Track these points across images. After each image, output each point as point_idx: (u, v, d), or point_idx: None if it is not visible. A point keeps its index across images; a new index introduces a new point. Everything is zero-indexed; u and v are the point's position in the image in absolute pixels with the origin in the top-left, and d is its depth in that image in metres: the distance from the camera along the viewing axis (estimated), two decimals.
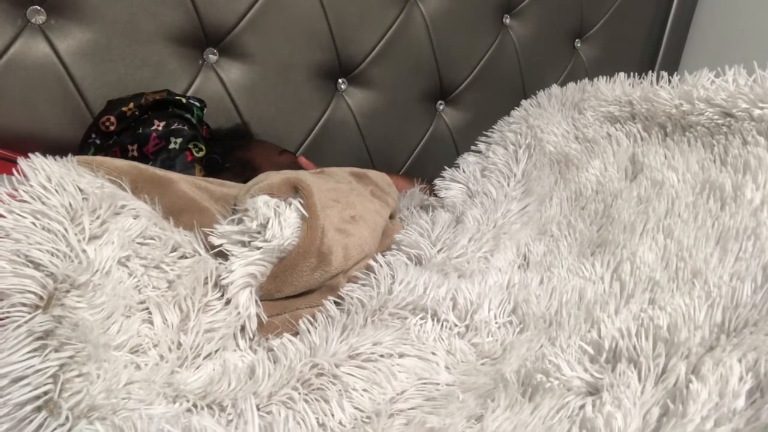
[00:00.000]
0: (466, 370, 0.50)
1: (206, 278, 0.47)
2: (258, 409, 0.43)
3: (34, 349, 0.38)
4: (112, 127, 0.72)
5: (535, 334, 0.53)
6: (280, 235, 0.48)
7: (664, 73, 0.71)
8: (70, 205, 0.43)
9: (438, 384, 0.47)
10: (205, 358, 0.45)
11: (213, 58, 0.88)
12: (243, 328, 0.48)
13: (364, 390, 0.45)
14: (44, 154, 0.47)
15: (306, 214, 0.50)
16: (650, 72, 0.72)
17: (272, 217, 0.48)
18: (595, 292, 0.55)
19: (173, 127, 0.71)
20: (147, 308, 0.44)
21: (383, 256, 0.58)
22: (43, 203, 0.43)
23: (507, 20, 1.18)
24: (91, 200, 0.45)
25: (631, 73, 0.76)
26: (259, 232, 0.48)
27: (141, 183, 0.50)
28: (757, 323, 0.43)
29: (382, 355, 0.48)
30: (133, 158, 0.69)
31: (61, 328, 0.39)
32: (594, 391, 0.45)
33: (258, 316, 0.48)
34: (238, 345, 0.48)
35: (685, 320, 0.45)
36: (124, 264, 0.44)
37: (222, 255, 0.50)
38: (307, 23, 0.94)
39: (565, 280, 0.58)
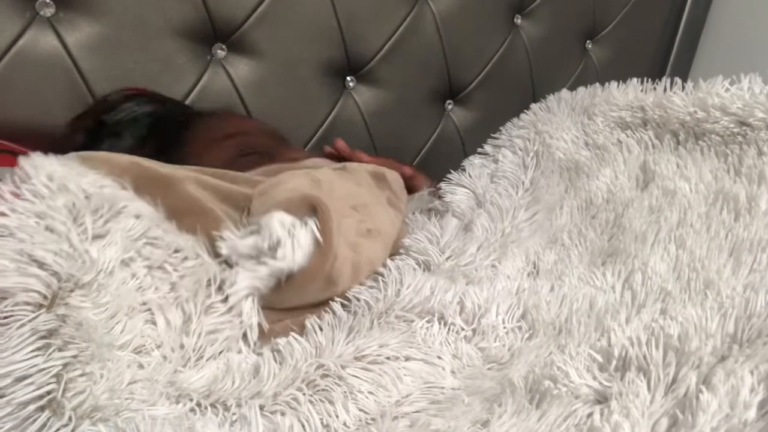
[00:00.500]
0: (471, 374, 0.49)
1: (209, 280, 0.46)
2: (262, 410, 0.43)
3: (38, 348, 0.38)
4: None
5: (544, 340, 0.52)
6: (291, 258, 0.47)
7: (678, 80, 0.70)
8: (74, 204, 0.43)
9: (443, 388, 0.47)
10: (208, 359, 0.45)
11: (221, 53, 0.88)
12: (245, 335, 0.47)
13: (370, 392, 0.45)
14: (46, 152, 0.46)
15: (320, 239, 0.48)
16: (662, 75, 0.72)
17: (285, 238, 0.47)
18: (606, 301, 0.54)
19: None
20: (150, 309, 0.44)
21: (392, 260, 0.58)
22: (46, 203, 0.42)
23: (518, 20, 1.17)
24: (93, 200, 0.44)
25: (644, 79, 0.75)
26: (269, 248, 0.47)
27: (143, 182, 0.49)
28: None
29: (388, 358, 0.48)
30: None
31: (65, 327, 0.39)
32: (602, 399, 0.44)
33: (259, 324, 0.48)
34: (241, 349, 0.47)
35: (697, 330, 0.45)
36: (127, 264, 0.44)
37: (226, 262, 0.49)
38: (316, 20, 0.93)
39: (575, 288, 0.57)
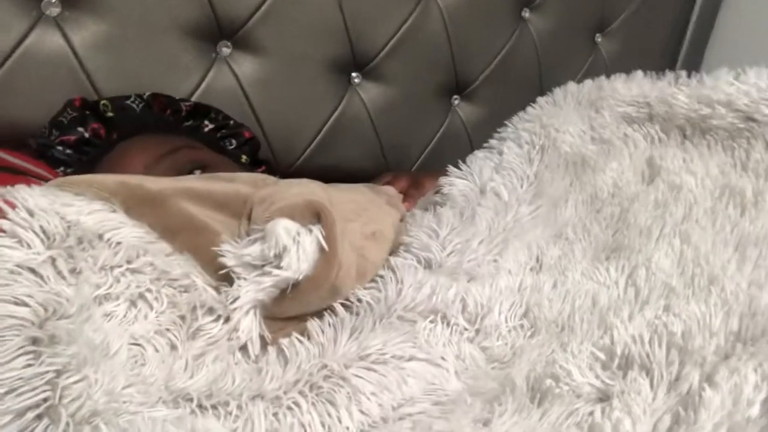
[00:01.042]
0: (474, 374, 0.49)
1: (194, 307, 0.46)
2: (263, 413, 0.43)
3: (29, 358, 0.38)
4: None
5: (547, 338, 0.52)
6: (296, 267, 0.46)
7: (683, 73, 0.69)
8: (54, 240, 0.43)
9: (446, 390, 0.47)
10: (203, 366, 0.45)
11: (226, 51, 0.88)
12: (245, 347, 0.47)
13: (373, 394, 0.45)
14: (29, 184, 0.46)
15: (325, 247, 0.47)
16: (673, 69, 0.71)
17: (291, 246, 0.46)
18: (609, 298, 0.54)
19: None
20: (137, 342, 0.44)
21: (392, 258, 0.57)
22: (26, 244, 0.42)
23: (526, 14, 1.16)
24: (74, 233, 0.44)
25: (649, 72, 0.74)
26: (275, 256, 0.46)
27: (132, 204, 0.48)
28: None
29: (392, 356, 0.48)
30: None
31: (55, 338, 0.39)
32: (604, 397, 0.44)
33: (261, 336, 0.47)
34: (239, 360, 0.47)
35: (700, 327, 0.44)
36: (106, 300, 0.44)
37: (225, 278, 0.48)
38: (321, 16, 0.93)
39: (579, 284, 0.57)
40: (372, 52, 0.99)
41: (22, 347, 0.38)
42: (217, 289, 0.47)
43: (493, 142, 0.81)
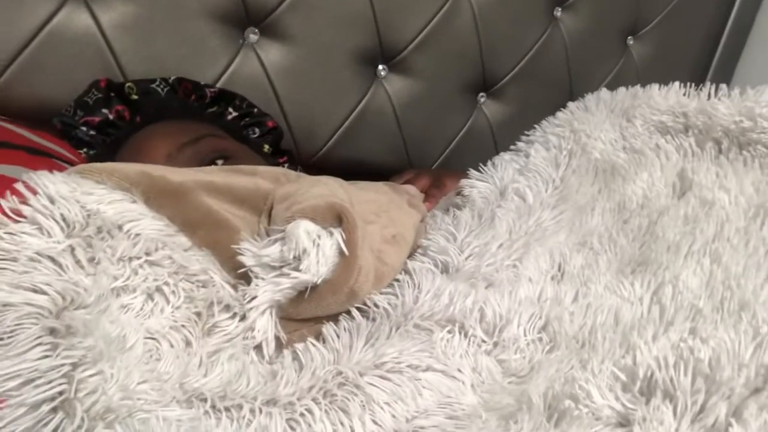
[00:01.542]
0: (491, 389, 0.48)
1: (211, 303, 0.45)
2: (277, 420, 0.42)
3: (46, 349, 0.37)
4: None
5: (566, 354, 0.51)
6: (315, 270, 0.45)
7: (723, 86, 0.67)
8: (73, 229, 0.42)
9: (462, 404, 0.46)
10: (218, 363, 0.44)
11: (254, 38, 0.87)
12: (259, 347, 0.46)
13: (387, 404, 0.44)
14: (50, 169, 0.45)
15: (346, 252, 0.46)
16: (704, 75, 0.69)
17: (311, 249, 0.45)
18: (633, 315, 0.52)
19: None
20: (152, 336, 0.43)
21: (409, 261, 0.56)
22: (44, 232, 0.42)
23: (558, 13, 1.13)
24: (94, 222, 0.43)
25: (687, 83, 0.72)
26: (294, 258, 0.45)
27: (153, 195, 0.47)
28: None
29: (408, 366, 0.47)
30: None
31: (72, 328, 0.39)
32: (625, 422, 0.43)
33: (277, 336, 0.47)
34: (253, 359, 0.46)
35: (729, 357, 0.43)
36: (123, 292, 0.43)
37: (243, 276, 0.47)
38: (350, 6, 0.91)
39: (601, 297, 0.55)
40: (400, 45, 0.98)
41: (39, 337, 0.38)
42: (234, 287, 0.47)
43: (520, 144, 0.79)
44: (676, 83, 0.73)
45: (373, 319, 0.50)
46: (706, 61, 1.37)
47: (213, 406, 0.43)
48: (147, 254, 0.45)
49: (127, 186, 0.46)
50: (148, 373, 0.42)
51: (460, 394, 0.46)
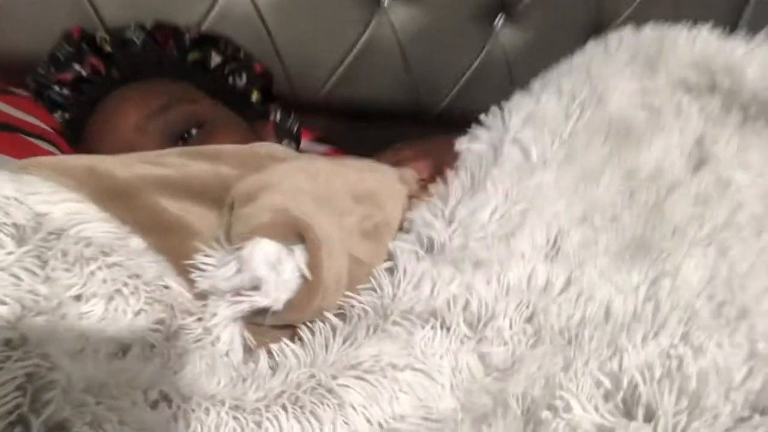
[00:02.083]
0: (469, 387, 0.47)
1: (172, 307, 0.43)
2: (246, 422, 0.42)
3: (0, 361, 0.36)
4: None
5: (550, 350, 0.49)
6: (275, 297, 0.43)
7: (764, 36, 0.59)
8: (22, 234, 0.40)
9: (439, 407, 0.45)
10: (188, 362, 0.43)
11: None
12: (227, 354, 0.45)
13: (362, 406, 0.43)
14: (14, 147, 0.43)
15: (308, 276, 0.43)
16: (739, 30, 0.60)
17: (269, 277, 0.42)
18: (625, 311, 0.49)
19: None
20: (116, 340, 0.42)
21: (390, 244, 0.53)
22: None
23: None
24: (45, 227, 0.41)
25: (723, 25, 0.63)
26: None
27: (101, 196, 0.44)
28: None
29: (388, 364, 0.45)
30: None
31: (27, 339, 0.37)
32: None
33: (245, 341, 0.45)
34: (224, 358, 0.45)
35: (719, 378, 0.40)
36: (80, 299, 0.41)
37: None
38: None
39: (594, 286, 0.52)
40: None
41: None
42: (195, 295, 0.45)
43: (536, 86, 0.72)
44: (705, 28, 0.64)
45: (350, 319, 0.48)
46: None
47: (179, 407, 0.42)
48: (104, 254, 0.43)
49: (74, 185, 0.44)
50: (110, 378, 0.42)
51: (437, 398, 0.45)
